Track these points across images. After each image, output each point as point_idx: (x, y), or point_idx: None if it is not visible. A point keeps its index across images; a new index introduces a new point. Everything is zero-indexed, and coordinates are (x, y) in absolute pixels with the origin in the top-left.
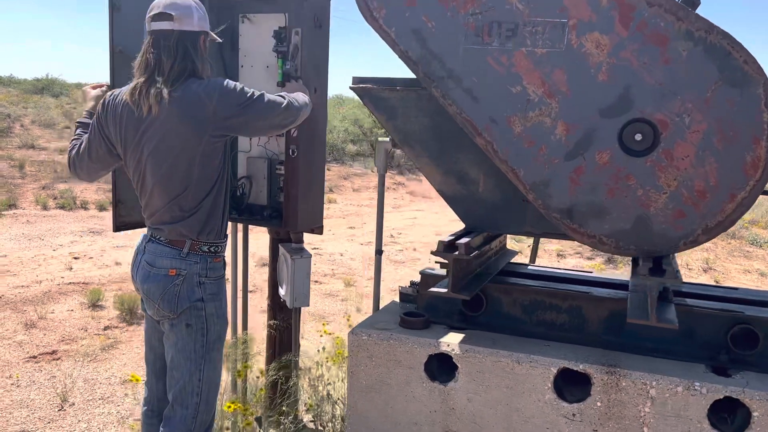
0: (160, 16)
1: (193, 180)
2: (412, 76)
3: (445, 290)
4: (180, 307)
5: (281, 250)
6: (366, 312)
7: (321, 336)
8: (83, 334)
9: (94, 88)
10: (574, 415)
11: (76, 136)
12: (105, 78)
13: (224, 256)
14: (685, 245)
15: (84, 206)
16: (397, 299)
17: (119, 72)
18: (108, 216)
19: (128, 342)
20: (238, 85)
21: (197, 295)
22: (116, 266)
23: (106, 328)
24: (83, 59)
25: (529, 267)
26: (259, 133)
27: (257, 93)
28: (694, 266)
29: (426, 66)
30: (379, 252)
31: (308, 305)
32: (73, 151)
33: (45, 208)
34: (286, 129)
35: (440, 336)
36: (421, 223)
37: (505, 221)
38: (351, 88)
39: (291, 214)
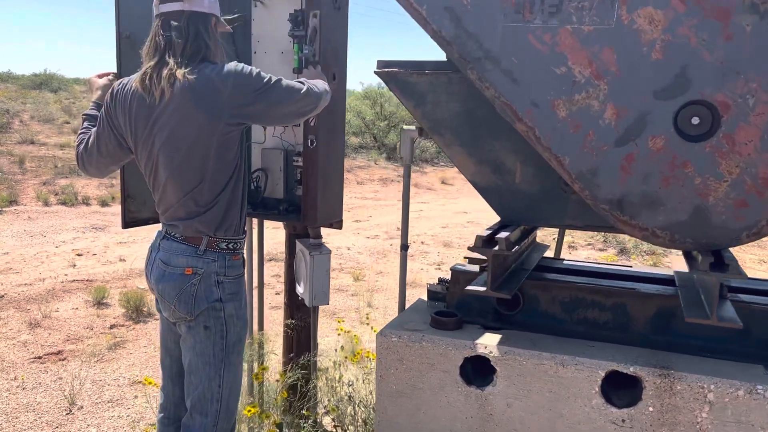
0: None
1: (209, 172)
2: (440, 58)
3: (483, 288)
4: (197, 309)
5: (298, 246)
6: (377, 307)
7: (339, 334)
8: (89, 333)
9: (101, 77)
10: (623, 421)
11: (83, 130)
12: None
13: (243, 254)
14: (747, 237)
15: (86, 202)
16: (416, 295)
17: (126, 59)
18: (111, 212)
19: (135, 341)
20: (254, 70)
21: (215, 295)
22: (120, 263)
23: (112, 326)
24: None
25: (565, 262)
26: (277, 121)
27: (274, 78)
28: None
29: (461, 46)
30: (405, 247)
31: (328, 303)
32: (81, 146)
33: (46, 204)
34: (305, 117)
35: (475, 337)
36: (427, 216)
37: (545, 213)
38: (376, 72)
39: (310, 208)
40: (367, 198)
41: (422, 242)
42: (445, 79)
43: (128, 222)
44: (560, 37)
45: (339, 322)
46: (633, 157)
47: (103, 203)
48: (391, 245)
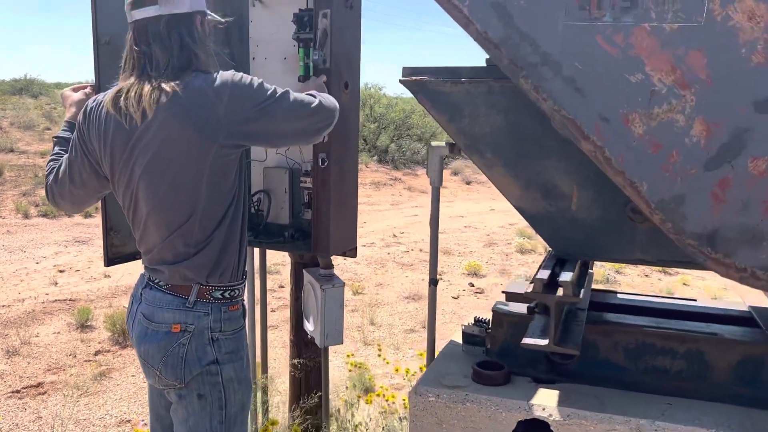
0: (142, 2)
1: (200, 205)
2: (478, 64)
3: (544, 342)
4: (188, 374)
5: (307, 277)
6: (380, 325)
7: (350, 370)
8: (72, 361)
9: (76, 90)
10: None
11: (53, 156)
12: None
13: (243, 301)
14: None
15: (68, 213)
16: (422, 310)
17: (107, 68)
18: (94, 223)
19: (122, 369)
20: (256, 80)
21: (210, 356)
22: (105, 279)
23: (96, 352)
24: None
25: (620, 296)
26: (282, 142)
27: (280, 90)
28: None
29: (512, 50)
30: (434, 282)
31: (342, 343)
32: (51, 176)
33: (26, 216)
34: (315, 138)
35: (529, 394)
36: (423, 221)
37: (607, 246)
38: (401, 81)
39: (321, 236)
40: (360, 203)
41: (421, 250)
42: (484, 88)
43: (112, 258)
44: (636, 37)
45: (349, 356)
46: (728, 183)
47: (87, 214)
48: (388, 254)
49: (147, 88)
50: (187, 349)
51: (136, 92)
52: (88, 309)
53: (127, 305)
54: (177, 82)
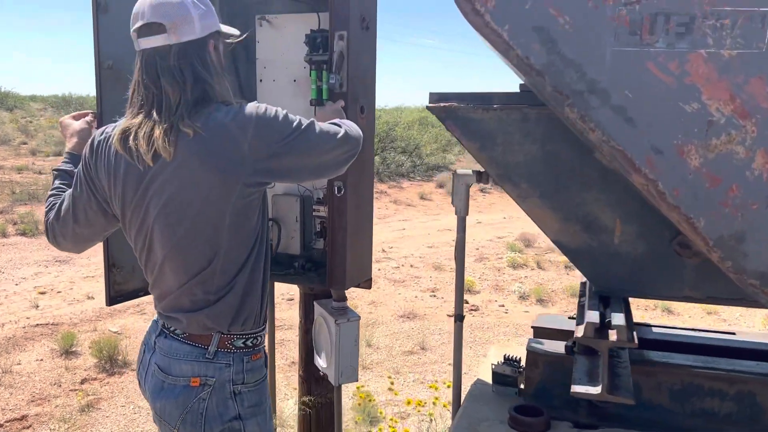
0: (149, 29)
1: (222, 249)
2: (510, 89)
3: (597, 390)
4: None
5: (318, 310)
6: (378, 347)
7: (359, 403)
8: (57, 390)
9: (77, 118)
10: None
11: (54, 191)
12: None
13: (265, 348)
14: None
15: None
16: (418, 329)
17: (109, 94)
18: None
19: (110, 399)
20: (280, 111)
21: (232, 411)
22: (89, 301)
23: (83, 381)
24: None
25: (655, 329)
26: (307, 177)
27: (305, 121)
28: None
29: (556, 77)
30: (459, 318)
31: (357, 380)
32: (52, 213)
33: (4, 235)
34: (341, 170)
35: None
36: (411, 235)
37: (652, 283)
38: (429, 107)
39: (337, 269)
40: None
41: (411, 265)
42: (518, 115)
43: (114, 297)
44: (691, 64)
45: (359, 388)
46: None
47: None
48: (378, 270)
49: (159, 130)
50: (208, 404)
51: (145, 133)
52: (72, 334)
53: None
54: (194, 121)
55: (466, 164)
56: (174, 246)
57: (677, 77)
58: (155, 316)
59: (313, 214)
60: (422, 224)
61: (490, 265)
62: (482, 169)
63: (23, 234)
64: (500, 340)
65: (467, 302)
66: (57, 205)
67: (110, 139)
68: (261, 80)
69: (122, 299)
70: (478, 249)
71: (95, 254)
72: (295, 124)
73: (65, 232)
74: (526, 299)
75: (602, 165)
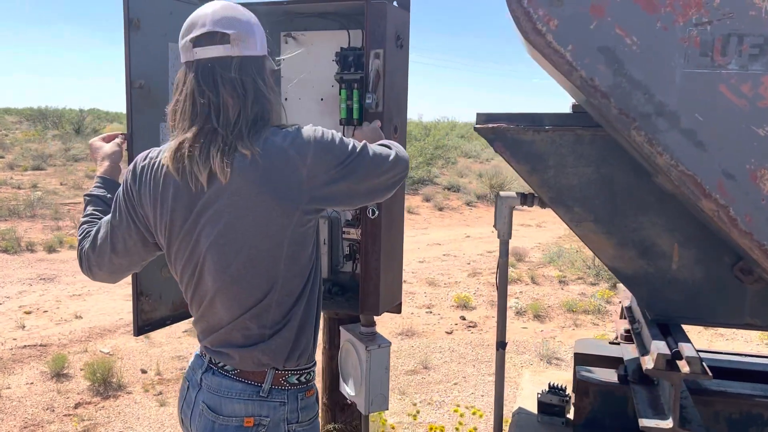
0: (210, 38)
1: (279, 281)
2: (561, 110)
3: (668, 425)
4: None
5: (345, 335)
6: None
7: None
8: (50, 416)
9: (107, 140)
10: None
11: (87, 218)
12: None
13: (316, 384)
14: None
15: (30, 248)
16: (418, 348)
17: (140, 115)
18: (59, 258)
19: (107, 424)
20: (336, 135)
21: None
22: (77, 320)
23: (77, 405)
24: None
25: (702, 354)
26: (359, 201)
27: (359, 144)
28: None
29: (622, 99)
30: (502, 345)
31: (387, 408)
32: (87, 242)
33: None
34: (390, 193)
35: None
36: (407, 248)
37: (712, 310)
38: (476, 128)
39: (371, 295)
40: None
41: (405, 281)
42: (572, 137)
43: (142, 327)
44: (765, 87)
45: (383, 422)
46: None
47: (50, 249)
48: None
49: (217, 148)
50: None
51: (202, 151)
52: (63, 356)
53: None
54: (253, 143)
55: (450, 177)
56: (228, 278)
57: (750, 100)
58: (197, 350)
59: (342, 236)
60: (411, 238)
61: (484, 280)
62: (526, 191)
63: (5, 251)
64: (530, 365)
65: (464, 318)
66: (92, 233)
67: (156, 164)
68: (286, 98)
69: (150, 328)
70: (469, 263)
71: (81, 271)
72: (350, 147)
73: (101, 261)
74: (522, 315)
75: (659, 188)
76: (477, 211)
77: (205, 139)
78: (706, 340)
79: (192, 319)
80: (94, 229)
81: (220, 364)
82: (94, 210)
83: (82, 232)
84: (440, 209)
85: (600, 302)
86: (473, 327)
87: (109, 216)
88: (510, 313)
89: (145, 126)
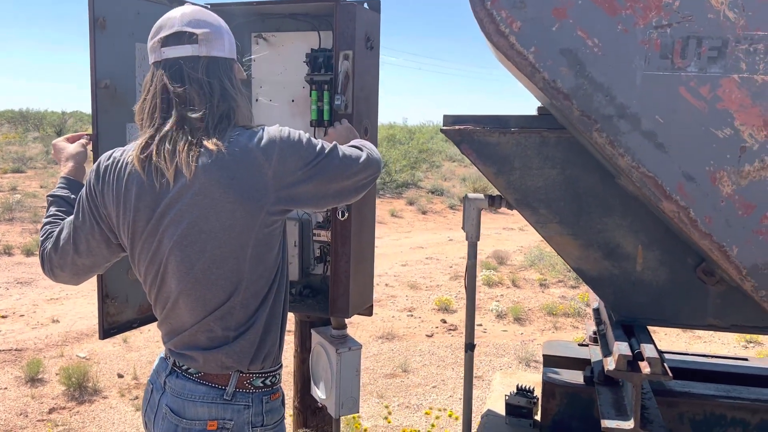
0: (178, 38)
1: (243, 283)
2: (528, 113)
3: (629, 425)
4: None
5: (316, 338)
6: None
7: None
8: (24, 422)
9: (71, 140)
10: None
11: (50, 219)
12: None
13: (281, 386)
14: None
15: (7, 252)
16: (398, 351)
17: (105, 116)
18: (37, 262)
19: (81, 429)
20: (303, 135)
21: None
22: (54, 324)
23: (51, 410)
24: None
25: (668, 356)
26: (327, 203)
27: (327, 146)
28: None
29: (584, 101)
30: (470, 347)
31: (358, 411)
32: (49, 243)
33: None
34: (360, 195)
35: None
36: (384, 253)
37: (675, 311)
38: (443, 130)
39: (340, 297)
40: None
41: (386, 284)
42: (537, 138)
43: (108, 330)
44: (724, 89)
45: (355, 418)
46: None
47: (29, 252)
48: None
49: (184, 142)
50: None
51: (170, 144)
52: (38, 360)
53: (79, 354)
54: (219, 140)
55: (434, 181)
56: (192, 279)
57: (709, 102)
58: (162, 353)
59: (313, 238)
60: (395, 242)
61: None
62: (494, 193)
63: None
64: (508, 367)
65: (445, 321)
66: (55, 234)
67: (120, 163)
68: (257, 99)
69: (116, 331)
70: (452, 267)
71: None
72: (318, 148)
73: (63, 263)
74: (503, 318)
75: (624, 191)
76: (461, 214)
77: (171, 134)
78: (684, 343)
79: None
80: (57, 229)
81: (183, 367)
82: (57, 210)
83: (45, 233)
84: (424, 213)
85: (580, 305)
86: (453, 330)
87: (72, 217)
88: (490, 316)
89: (110, 126)
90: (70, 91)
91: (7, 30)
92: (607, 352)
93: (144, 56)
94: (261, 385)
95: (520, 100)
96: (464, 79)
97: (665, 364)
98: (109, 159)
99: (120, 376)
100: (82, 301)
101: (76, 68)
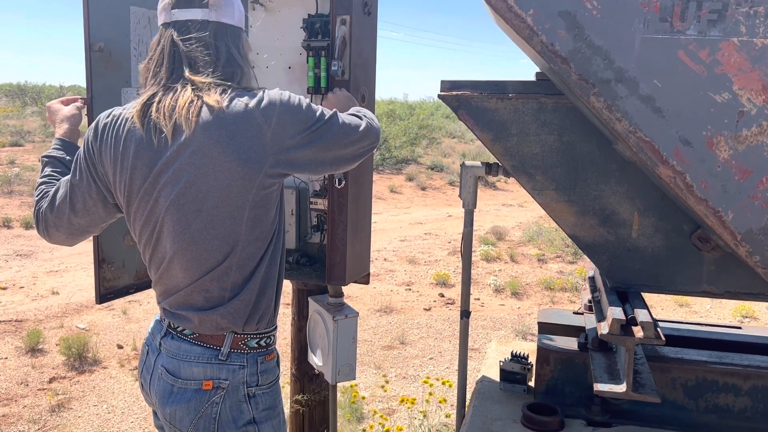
0: (188, 1)
1: (240, 244)
2: (526, 78)
3: (622, 389)
4: None
5: (314, 306)
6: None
7: (352, 402)
8: (24, 390)
9: (66, 103)
10: None
11: (45, 179)
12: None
13: (276, 347)
14: None
15: (7, 224)
16: (395, 323)
17: (99, 79)
18: (37, 235)
19: (82, 398)
20: (303, 100)
21: (246, 415)
22: (53, 296)
23: (51, 379)
24: None
25: (663, 324)
26: (325, 170)
27: (328, 112)
28: None
29: (582, 64)
30: (465, 314)
31: (354, 378)
32: (44, 202)
33: None
34: (357, 163)
35: None
36: (383, 228)
37: (671, 277)
38: (440, 96)
39: (337, 265)
40: None
41: (385, 259)
42: (535, 104)
43: (104, 294)
44: (723, 53)
45: (353, 386)
46: None
47: (28, 225)
48: None
49: (185, 96)
50: (221, 408)
51: (171, 99)
52: (38, 331)
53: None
54: (221, 96)
55: (434, 157)
56: (188, 239)
57: (708, 66)
58: (157, 315)
59: (310, 207)
60: (394, 218)
61: None
62: (491, 161)
63: None
64: (496, 336)
65: (443, 296)
66: (50, 193)
67: (119, 120)
68: (254, 66)
69: (112, 296)
70: (450, 242)
71: (58, 247)
72: (318, 114)
73: (59, 222)
74: (501, 292)
75: (621, 157)
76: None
77: (174, 90)
78: (680, 317)
79: None
80: (53, 189)
81: (179, 329)
82: (52, 171)
83: (39, 193)
84: (423, 189)
85: (578, 280)
86: (451, 304)
87: (68, 176)
88: (488, 291)
89: (105, 90)
90: (68, 64)
91: (4, 2)
92: (601, 317)
93: (138, 20)
94: (256, 345)
95: (523, 77)
96: (467, 55)
97: (658, 329)
98: (108, 116)
99: (119, 347)
100: (81, 273)
101: (74, 42)
